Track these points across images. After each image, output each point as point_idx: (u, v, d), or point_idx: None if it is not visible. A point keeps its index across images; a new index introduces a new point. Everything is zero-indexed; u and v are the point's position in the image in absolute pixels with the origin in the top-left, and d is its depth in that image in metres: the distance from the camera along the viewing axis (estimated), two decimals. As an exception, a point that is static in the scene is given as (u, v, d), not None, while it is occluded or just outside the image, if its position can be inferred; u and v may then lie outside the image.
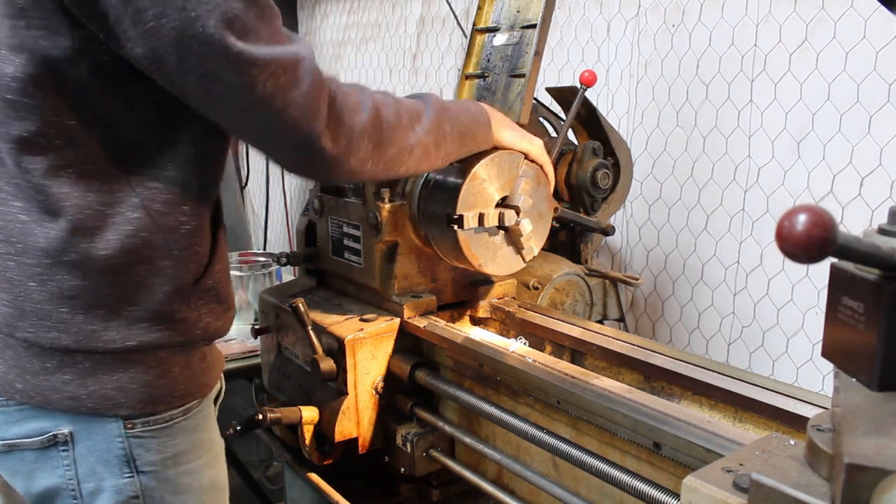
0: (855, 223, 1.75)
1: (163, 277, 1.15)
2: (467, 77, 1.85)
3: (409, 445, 1.54)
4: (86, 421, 1.16)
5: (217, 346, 1.34)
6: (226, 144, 1.23)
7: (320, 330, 1.59)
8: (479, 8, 1.86)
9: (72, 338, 1.12)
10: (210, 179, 1.21)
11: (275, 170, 3.97)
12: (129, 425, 1.18)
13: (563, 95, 1.99)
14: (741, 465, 0.72)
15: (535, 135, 1.96)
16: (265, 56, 0.99)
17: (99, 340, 1.13)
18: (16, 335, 1.14)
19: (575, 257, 1.95)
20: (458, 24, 2.86)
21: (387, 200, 1.57)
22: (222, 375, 1.43)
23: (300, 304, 1.58)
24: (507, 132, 1.47)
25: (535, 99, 2.10)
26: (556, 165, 1.92)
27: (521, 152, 1.50)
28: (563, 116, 2.00)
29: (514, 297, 1.72)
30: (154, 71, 1.00)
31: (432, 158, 1.29)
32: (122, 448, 1.18)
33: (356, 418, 1.58)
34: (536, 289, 1.76)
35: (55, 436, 1.16)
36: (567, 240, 1.98)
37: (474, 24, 1.86)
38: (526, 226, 1.51)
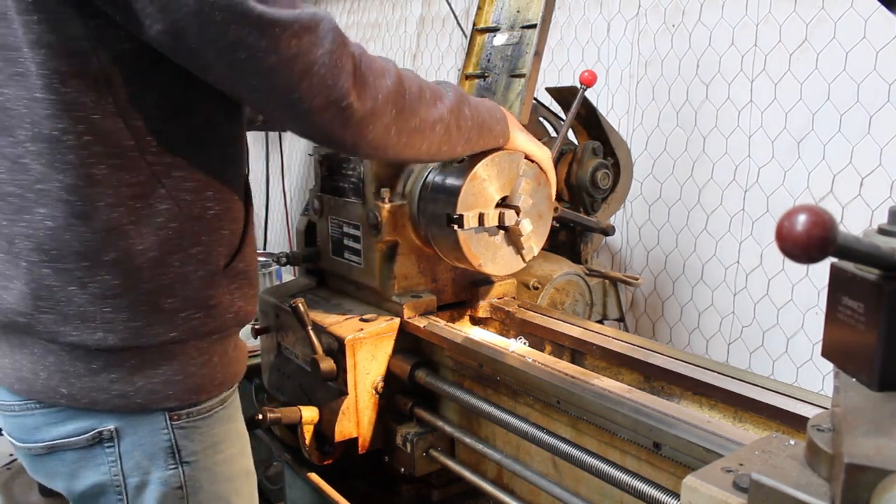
0: (855, 223, 1.75)
1: (195, 264, 1.16)
2: (467, 77, 1.85)
3: (409, 445, 1.54)
4: (131, 416, 1.17)
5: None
6: (244, 128, 1.24)
7: (320, 330, 1.59)
8: (479, 8, 1.86)
9: (118, 336, 1.13)
10: (232, 163, 1.21)
11: (275, 170, 3.97)
12: (175, 417, 1.20)
13: (563, 95, 1.99)
14: (741, 465, 0.72)
15: (535, 135, 1.96)
16: (286, 17, 0.97)
17: (144, 336, 1.14)
18: (58, 340, 1.13)
19: (575, 257, 1.95)
20: (458, 24, 2.86)
21: (387, 200, 1.57)
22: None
23: (300, 304, 1.58)
24: (521, 135, 1.48)
25: (535, 99, 2.10)
26: (556, 165, 1.92)
27: (530, 157, 1.51)
28: (563, 116, 2.00)
29: (514, 297, 1.72)
30: (174, 48, 0.99)
31: (454, 140, 1.27)
32: (168, 440, 1.20)
33: (356, 418, 1.58)
34: (536, 289, 1.76)
35: (100, 433, 1.17)
36: (567, 240, 1.98)
37: (474, 24, 1.86)
38: (526, 226, 1.51)
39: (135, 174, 1.09)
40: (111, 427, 1.17)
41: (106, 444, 1.17)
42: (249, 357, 2.28)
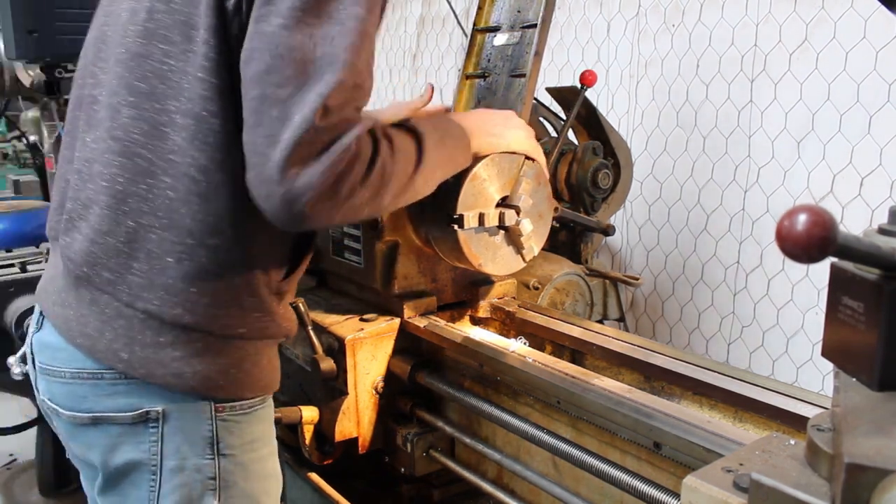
0: (855, 223, 1.75)
1: (274, 272, 1.23)
2: (467, 77, 1.85)
3: (409, 445, 1.54)
4: (180, 401, 1.20)
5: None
6: None
7: (320, 330, 1.59)
8: (480, 8, 1.86)
9: (193, 317, 1.16)
10: None
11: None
12: (220, 409, 1.22)
13: (563, 95, 1.99)
14: (741, 464, 0.72)
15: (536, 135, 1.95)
16: (303, 188, 1.03)
17: (217, 323, 1.18)
18: (136, 305, 1.16)
19: (575, 257, 1.95)
20: (459, 23, 2.86)
21: (387, 200, 1.57)
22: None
23: (300, 304, 1.58)
24: (484, 141, 1.45)
25: (535, 99, 2.10)
26: (555, 165, 1.92)
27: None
28: (564, 116, 2.00)
29: (514, 297, 1.72)
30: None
31: (418, 189, 1.24)
32: (210, 430, 1.22)
33: (356, 418, 1.58)
34: (536, 289, 1.76)
35: (147, 412, 1.19)
36: (567, 240, 1.98)
37: (475, 24, 1.86)
38: (526, 226, 1.51)
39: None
40: (159, 408, 1.19)
41: (150, 424, 1.20)
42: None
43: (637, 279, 1.90)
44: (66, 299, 1.22)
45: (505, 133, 1.50)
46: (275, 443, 1.36)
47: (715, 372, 1.25)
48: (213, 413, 1.22)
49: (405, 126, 1.23)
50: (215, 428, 1.22)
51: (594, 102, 2.37)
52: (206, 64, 1.08)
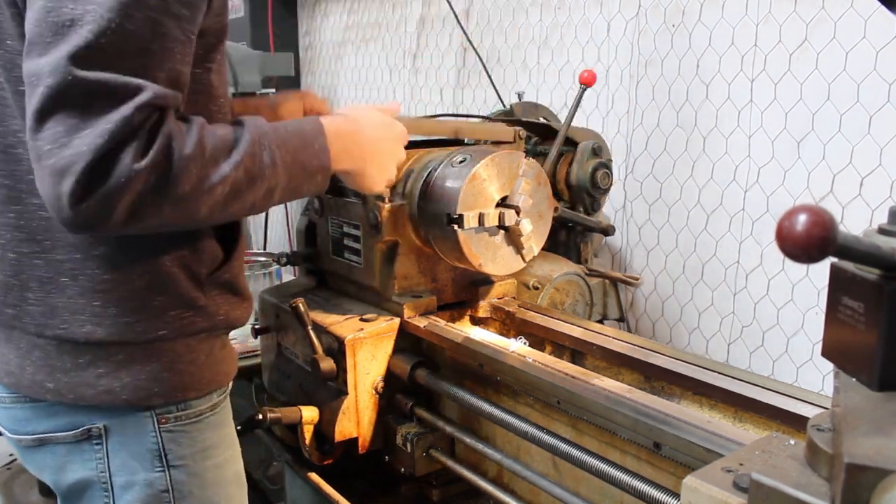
0: (855, 223, 1.75)
1: (184, 268, 1.17)
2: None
3: (409, 445, 1.54)
4: (120, 415, 1.17)
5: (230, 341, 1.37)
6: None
7: (320, 330, 1.59)
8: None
9: (106, 330, 1.13)
10: None
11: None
12: (163, 420, 1.19)
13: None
14: (741, 465, 0.72)
15: (536, 133, 1.96)
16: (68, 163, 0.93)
17: (132, 331, 1.14)
18: (45, 334, 1.13)
19: (575, 257, 1.95)
20: (459, 23, 2.86)
21: (387, 200, 1.57)
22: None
23: (300, 304, 1.58)
24: (344, 161, 1.23)
25: (535, 102, 2.10)
26: (555, 165, 1.92)
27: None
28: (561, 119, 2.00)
29: (514, 297, 1.72)
30: None
31: (247, 196, 1.07)
32: (155, 442, 1.19)
33: (356, 418, 1.58)
34: (536, 289, 1.76)
35: (89, 430, 1.17)
36: (567, 240, 1.98)
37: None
38: (526, 226, 1.51)
39: None
40: (100, 425, 1.17)
41: (94, 441, 1.18)
42: (249, 357, 2.29)
43: (637, 279, 1.90)
44: None
45: (367, 175, 1.30)
46: (236, 446, 1.32)
47: (715, 372, 1.25)
48: (157, 425, 1.19)
49: (238, 119, 1.10)
50: (160, 439, 1.19)
51: (594, 102, 2.37)
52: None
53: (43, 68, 0.90)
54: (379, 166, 1.30)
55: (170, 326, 1.16)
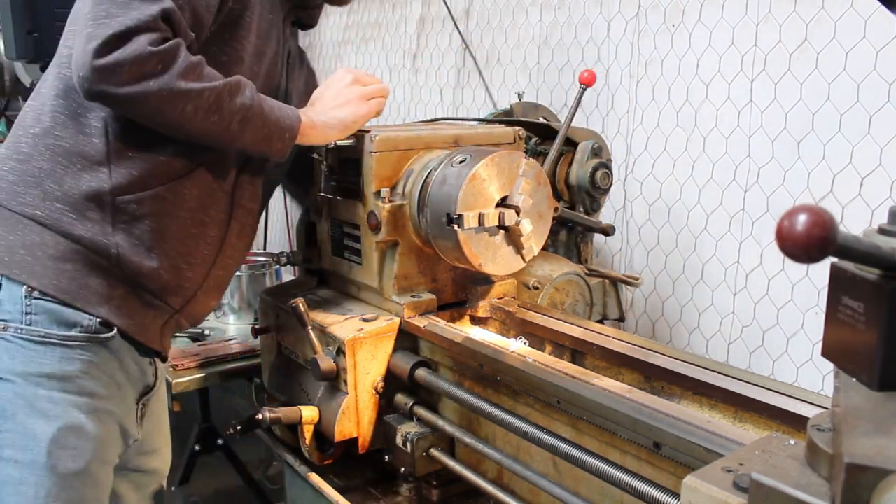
0: (855, 223, 1.75)
1: (92, 176, 1.33)
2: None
3: (409, 445, 1.54)
4: None
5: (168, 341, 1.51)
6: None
7: (320, 330, 1.59)
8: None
9: (9, 201, 1.32)
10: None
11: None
12: (2, 327, 1.26)
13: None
14: (741, 464, 0.72)
15: (537, 132, 1.97)
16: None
17: (15, 200, 1.33)
18: None
19: (575, 257, 1.95)
20: (456, 25, 2.86)
21: (387, 200, 1.57)
22: (158, 374, 1.54)
23: (300, 304, 1.58)
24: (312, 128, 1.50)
25: (535, 102, 2.10)
26: (555, 165, 1.92)
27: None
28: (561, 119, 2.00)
29: (514, 297, 1.72)
30: None
31: (226, 114, 1.32)
32: None
33: (356, 418, 1.58)
34: (536, 289, 1.76)
35: None
36: (567, 240, 1.98)
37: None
38: (526, 226, 1.51)
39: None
40: None
41: None
42: (249, 357, 2.29)
43: (637, 279, 1.90)
44: None
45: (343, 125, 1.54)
46: (93, 404, 1.35)
47: (715, 372, 1.25)
48: None
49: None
50: None
51: (594, 102, 2.37)
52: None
53: None
54: (340, 107, 1.52)
55: (47, 213, 1.32)
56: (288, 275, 3.05)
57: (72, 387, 1.31)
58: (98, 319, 1.35)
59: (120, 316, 1.37)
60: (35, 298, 1.28)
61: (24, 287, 1.29)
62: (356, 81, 1.55)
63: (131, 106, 1.26)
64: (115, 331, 1.38)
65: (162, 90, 1.23)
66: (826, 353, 0.71)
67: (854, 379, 0.68)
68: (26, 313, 1.27)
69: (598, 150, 1.90)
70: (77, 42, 1.22)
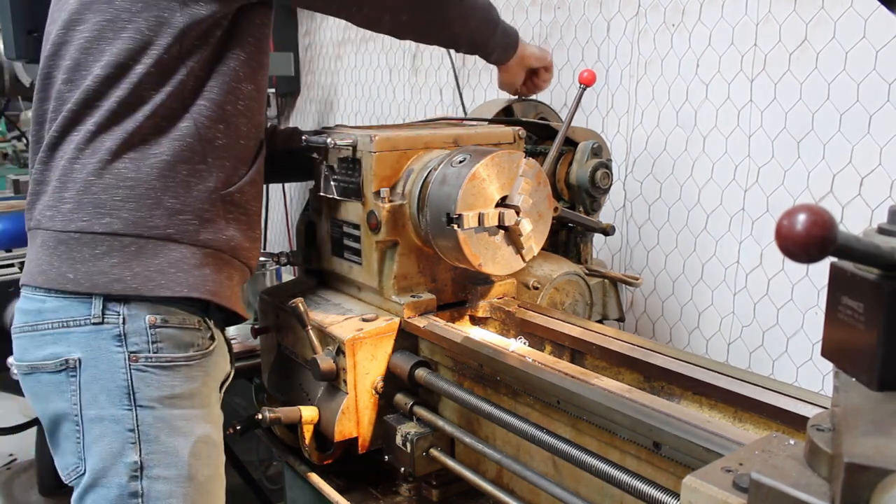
0: (855, 223, 1.75)
1: (197, 178, 1.38)
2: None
3: (409, 445, 1.54)
4: (95, 349, 1.30)
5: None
6: (263, 92, 1.53)
7: (320, 330, 1.59)
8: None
9: (122, 223, 1.31)
10: (244, 115, 1.46)
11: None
12: (133, 358, 1.31)
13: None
14: (741, 464, 0.72)
15: (537, 133, 1.97)
16: None
17: (145, 226, 1.33)
18: (70, 228, 1.30)
19: (575, 257, 1.95)
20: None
21: (387, 200, 1.57)
22: (233, 360, 1.59)
23: (300, 304, 1.58)
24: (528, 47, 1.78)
25: (536, 99, 2.10)
26: (555, 165, 1.92)
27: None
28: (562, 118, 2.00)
29: (514, 297, 1.72)
30: None
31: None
32: (125, 379, 1.30)
33: (356, 418, 1.58)
34: (536, 289, 1.76)
35: (66, 360, 1.30)
36: (567, 240, 1.98)
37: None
38: (526, 225, 1.51)
39: (171, 96, 1.35)
40: (76, 356, 1.29)
41: (70, 372, 1.30)
42: (249, 357, 2.29)
43: (637, 279, 1.90)
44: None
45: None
46: (213, 412, 1.43)
47: (715, 372, 1.25)
48: (127, 362, 1.30)
49: None
50: (130, 377, 1.30)
51: (594, 102, 2.37)
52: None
53: None
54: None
55: (177, 228, 1.34)
56: (288, 275, 3.06)
57: (197, 401, 1.40)
58: (209, 333, 1.45)
59: (236, 303, 1.49)
60: (157, 327, 1.35)
61: (147, 317, 1.35)
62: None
63: None
64: (215, 341, 1.47)
65: None
66: (826, 353, 0.71)
67: (854, 379, 0.68)
68: (153, 342, 1.34)
69: (598, 150, 1.90)
70: None
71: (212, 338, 1.46)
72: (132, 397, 1.30)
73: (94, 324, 1.30)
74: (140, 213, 1.32)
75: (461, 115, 2.92)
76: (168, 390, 1.33)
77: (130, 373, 1.30)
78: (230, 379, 1.59)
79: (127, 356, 1.30)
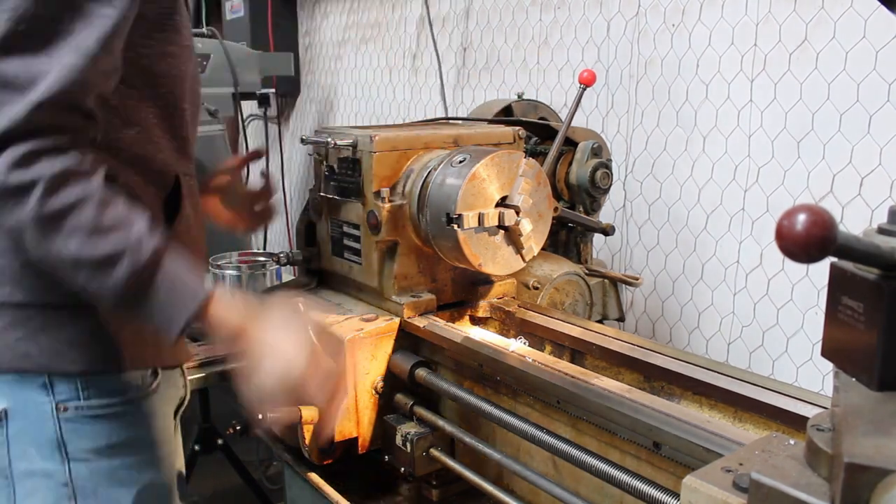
0: (855, 223, 1.75)
1: None
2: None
3: (409, 445, 1.54)
4: (21, 399, 1.14)
5: (185, 346, 1.33)
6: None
7: (320, 330, 1.59)
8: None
9: (24, 292, 1.11)
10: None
11: (275, 170, 3.97)
12: (62, 408, 1.15)
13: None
14: (741, 464, 0.72)
15: (537, 133, 1.95)
16: None
17: (51, 294, 1.11)
18: None
19: (575, 257, 1.95)
20: (432, 32, 2.86)
21: (387, 200, 1.57)
22: (187, 384, 1.44)
23: (300, 304, 1.57)
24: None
25: (536, 100, 2.10)
26: (555, 165, 1.92)
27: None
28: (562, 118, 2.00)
29: (514, 297, 1.72)
30: None
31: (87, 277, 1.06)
32: (55, 431, 1.15)
33: (356, 418, 1.58)
34: (536, 289, 1.76)
35: None
36: (567, 240, 1.98)
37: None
38: (526, 225, 1.51)
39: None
40: (2, 407, 1.14)
41: None
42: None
43: (637, 279, 1.90)
44: None
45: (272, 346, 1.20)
46: (158, 452, 1.27)
47: (715, 372, 1.25)
48: (55, 413, 1.14)
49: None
50: (59, 429, 1.15)
51: (594, 102, 2.37)
52: None
53: None
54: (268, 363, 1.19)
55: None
56: (288, 275, 3.05)
57: (140, 447, 1.25)
58: (149, 370, 1.25)
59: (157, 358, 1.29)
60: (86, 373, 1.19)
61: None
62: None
63: None
64: (159, 376, 1.28)
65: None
66: (826, 352, 0.71)
67: (854, 379, 0.68)
68: (83, 388, 1.17)
69: (598, 150, 1.90)
70: None
71: (154, 374, 1.26)
72: (63, 450, 1.15)
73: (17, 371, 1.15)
74: (42, 280, 1.10)
75: (452, 115, 2.93)
76: (104, 440, 1.18)
77: (59, 424, 1.14)
78: (186, 402, 1.44)
79: (54, 406, 1.14)
